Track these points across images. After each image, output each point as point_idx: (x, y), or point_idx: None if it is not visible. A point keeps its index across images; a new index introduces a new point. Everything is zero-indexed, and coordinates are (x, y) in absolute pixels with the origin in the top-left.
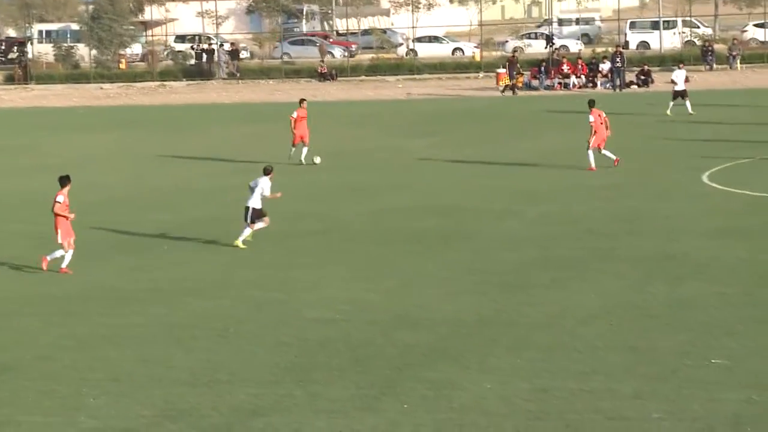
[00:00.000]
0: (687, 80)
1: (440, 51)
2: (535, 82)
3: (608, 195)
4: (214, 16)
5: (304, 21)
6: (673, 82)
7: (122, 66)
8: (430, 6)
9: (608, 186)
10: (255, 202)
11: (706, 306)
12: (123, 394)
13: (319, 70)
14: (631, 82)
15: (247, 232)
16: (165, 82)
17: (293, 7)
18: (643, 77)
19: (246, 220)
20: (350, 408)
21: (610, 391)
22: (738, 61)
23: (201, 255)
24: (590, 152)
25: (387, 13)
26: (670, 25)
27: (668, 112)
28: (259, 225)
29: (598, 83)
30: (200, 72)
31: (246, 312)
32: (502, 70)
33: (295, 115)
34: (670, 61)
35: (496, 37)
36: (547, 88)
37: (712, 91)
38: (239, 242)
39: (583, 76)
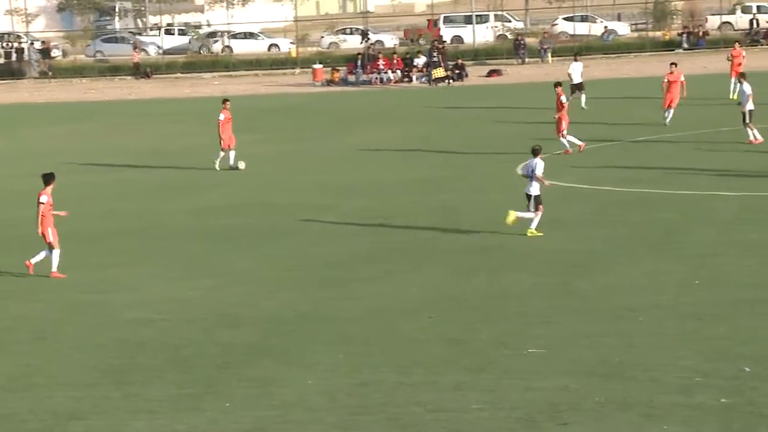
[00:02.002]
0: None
1: (256, 47)
2: (351, 78)
3: (426, 188)
4: (23, 14)
5: (117, 18)
6: (569, 75)
7: None
8: (245, 2)
9: (427, 180)
10: (535, 189)
11: (523, 296)
12: None
13: (134, 59)
14: (447, 76)
15: (537, 216)
16: None
17: (105, 5)
18: (457, 71)
19: (530, 208)
20: (170, 408)
21: (431, 383)
22: (549, 54)
23: (12, 258)
24: (564, 137)
25: (201, 9)
26: (482, 19)
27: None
28: (528, 215)
29: (414, 78)
30: (10, 71)
31: (63, 314)
32: (318, 66)
33: (222, 117)
34: (483, 54)
35: (311, 33)
36: (364, 82)
37: (525, 84)
38: (533, 230)
39: (399, 71)
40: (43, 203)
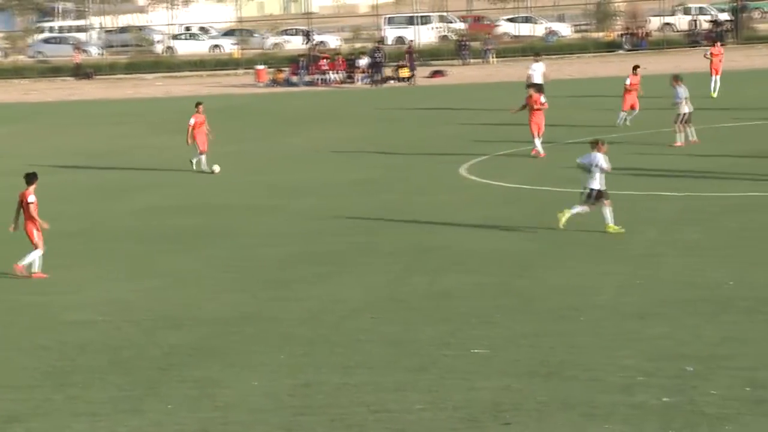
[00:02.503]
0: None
1: (199, 48)
2: (295, 78)
3: (369, 189)
4: None
5: (58, 19)
6: (529, 76)
7: None
8: (187, 2)
9: (369, 180)
10: (597, 184)
11: (465, 297)
12: None
13: (75, 60)
14: (389, 77)
15: (577, 210)
16: None
17: (46, 5)
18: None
19: (587, 200)
20: (112, 410)
21: (374, 384)
22: (492, 55)
23: None
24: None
25: (144, 9)
26: (425, 20)
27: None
28: (582, 209)
29: (357, 78)
30: None
31: (3, 316)
32: (262, 67)
33: (192, 121)
34: (426, 55)
35: (255, 33)
36: (308, 83)
37: (468, 85)
38: (614, 226)
39: (342, 72)
40: (32, 203)
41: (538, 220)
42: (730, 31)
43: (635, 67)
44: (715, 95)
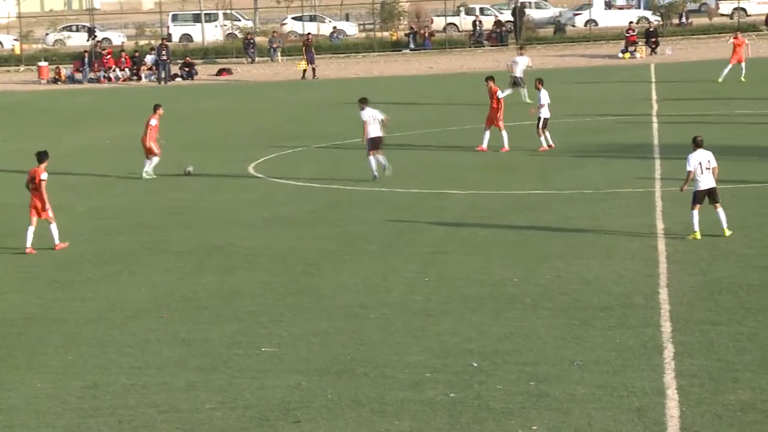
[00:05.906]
0: None
1: None
2: (78, 75)
3: (156, 188)
4: None
5: None
6: (511, 67)
7: None
8: None
9: (157, 179)
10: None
11: (255, 295)
12: None
13: None
14: (176, 75)
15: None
16: None
17: None
18: (187, 69)
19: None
20: None
21: (163, 384)
22: (279, 54)
23: None
24: (504, 132)
25: None
26: (211, 17)
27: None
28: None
29: (143, 76)
30: None
31: None
32: (44, 64)
33: (154, 123)
34: (212, 53)
35: (35, 29)
36: (92, 80)
37: (255, 83)
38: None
39: (127, 69)
40: (44, 180)
41: (327, 217)
42: (511, 32)
43: (735, 34)
44: (744, 79)
